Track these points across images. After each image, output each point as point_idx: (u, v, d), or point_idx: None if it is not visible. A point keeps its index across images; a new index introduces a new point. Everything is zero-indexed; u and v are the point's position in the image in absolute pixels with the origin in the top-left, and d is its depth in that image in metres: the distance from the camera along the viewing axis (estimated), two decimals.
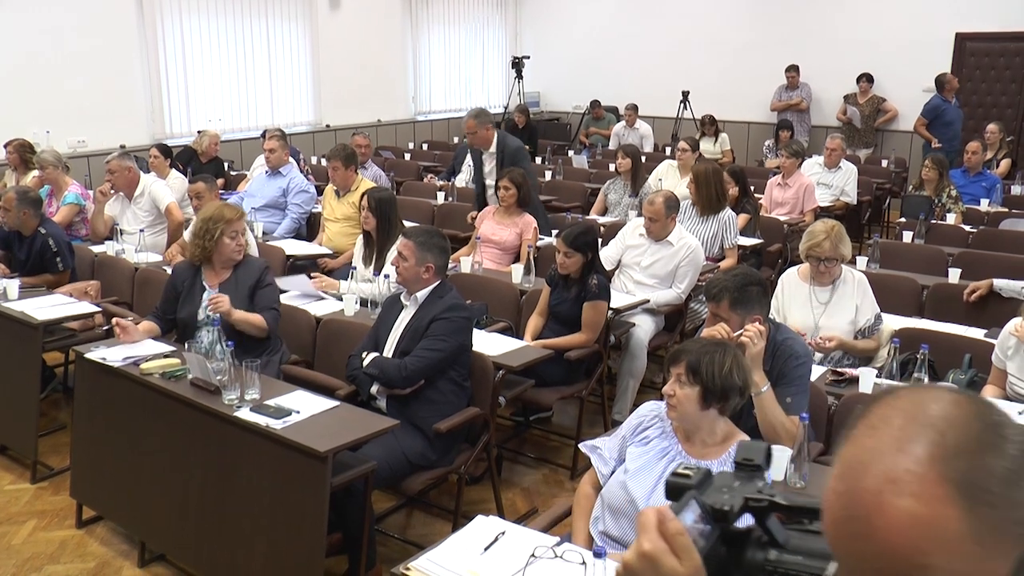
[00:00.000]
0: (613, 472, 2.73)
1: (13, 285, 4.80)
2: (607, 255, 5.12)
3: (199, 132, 8.75)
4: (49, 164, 6.59)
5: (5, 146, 7.50)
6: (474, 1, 13.24)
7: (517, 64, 12.55)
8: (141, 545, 3.77)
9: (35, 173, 7.03)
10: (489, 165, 6.26)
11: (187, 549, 3.57)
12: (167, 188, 6.46)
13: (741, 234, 6.33)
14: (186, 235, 4.88)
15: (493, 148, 6.15)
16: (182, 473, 3.50)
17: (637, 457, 2.68)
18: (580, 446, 2.91)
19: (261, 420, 3.13)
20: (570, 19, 13.32)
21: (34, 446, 4.50)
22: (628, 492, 2.60)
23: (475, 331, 3.90)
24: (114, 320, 4.16)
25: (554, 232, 5.46)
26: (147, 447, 3.66)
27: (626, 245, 5.26)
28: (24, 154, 7.42)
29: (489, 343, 4.02)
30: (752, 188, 6.93)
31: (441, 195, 7.57)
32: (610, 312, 4.50)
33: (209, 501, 3.38)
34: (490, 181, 6.26)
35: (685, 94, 11.51)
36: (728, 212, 6.01)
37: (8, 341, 4.63)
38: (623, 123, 11.18)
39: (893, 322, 4.20)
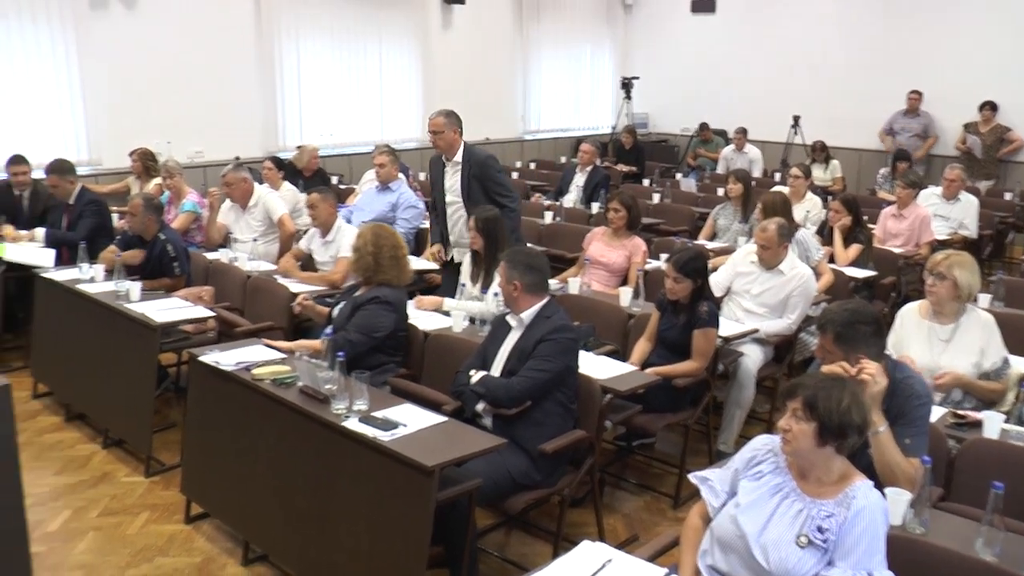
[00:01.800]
0: (723, 505, 2.67)
1: (135, 288, 4.99)
2: (717, 281, 5.03)
3: (298, 147, 8.94)
4: (177, 172, 6.86)
5: (130, 154, 7.84)
6: (585, 21, 13.28)
7: (626, 84, 12.53)
8: (245, 544, 3.87)
9: (156, 180, 7.32)
10: (452, 179, 5.51)
11: (290, 552, 3.62)
12: (280, 199, 6.64)
13: (853, 265, 6.17)
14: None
15: (458, 158, 5.45)
16: (288, 478, 3.56)
17: (749, 491, 2.60)
18: (690, 476, 2.85)
19: (369, 431, 3.16)
20: (680, 40, 13.24)
21: (148, 442, 4.67)
22: (739, 527, 2.53)
23: (582, 353, 3.88)
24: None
25: (663, 256, 5.41)
26: (255, 450, 3.74)
27: (736, 272, 5.17)
28: (146, 162, 7.76)
29: (597, 366, 4.00)
30: (865, 218, 6.73)
31: (549, 215, 7.57)
32: (718, 340, 4.42)
33: (313, 507, 3.43)
34: (451, 197, 5.53)
35: (796, 118, 11.29)
36: (800, 232, 5.87)
37: (129, 340, 4.80)
38: (732, 146, 11.04)
39: (1020, 364, 3.99)
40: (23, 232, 6.42)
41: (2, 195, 6.83)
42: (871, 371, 2.87)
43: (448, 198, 5.53)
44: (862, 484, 2.48)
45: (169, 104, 8.55)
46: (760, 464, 2.65)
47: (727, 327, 4.64)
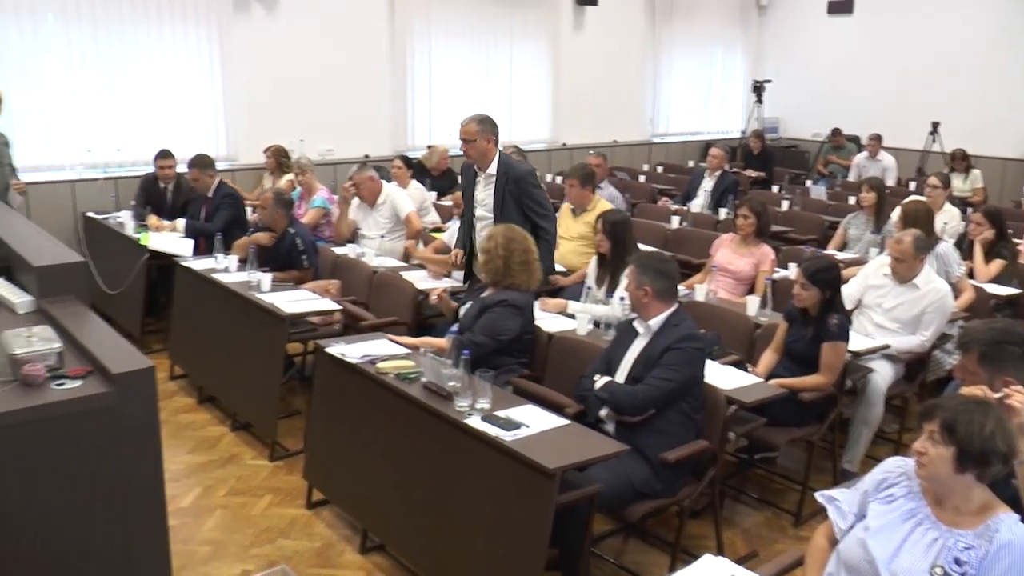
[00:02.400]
0: (851, 527, 2.57)
1: (266, 278, 5.16)
2: (847, 293, 4.86)
3: (428, 147, 9.10)
4: (308, 169, 7.09)
5: (265, 151, 8.13)
6: (718, 22, 13.08)
7: (758, 88, 12.27)
8: (363, 533, 3.95)
9: (288, 176, 7.58)
10: (484, 192, 5.00)
11: (407, 543, 3.69)
12: (407, 197, 6.77)
13: (995, 282, 5.88)
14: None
15: (492, 170, 4.93)
16: (408, 471, 3.62)
17: (880, 515, 2.50)
18: (816, 495, 2.75)
19: (491, 430, 3.17)
20: (815, 42, 12.87)
21: (274, 427, 4.84)
22: (868, 551, 2.43)
23: (707, 362, 3.81)
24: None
25: (791, 265, 5.29)
26: (377, 441, 3.82)
27: (868, 284, 4.99)
28: (279, 159, 8.04)
29: (722, 376, 3.92)
30: (1010, 231, 6.39)
31: (676, 219, 7.48)
32: (847, 355, 4.28)
33: (432, 501, 3.47)
34: (482, 211, 5.01)
35: (935, 125, 10.83)
36: (941, 244, 5.62)
37: (259, 329, 4.98)
38: (865, 153, 10.67)
39: None
40: (166, 222, 6.76)
41: (148, 187, 7.22)
42: (1022, 398, 2.71)
43: (478, 212, 5.04)
44: (1007, 517, 2.35)
45: (303, 103, 8.83)
46: (892, 487, 2.54)
47: (857, 341, 4.48)
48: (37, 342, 2.53)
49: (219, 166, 7.35)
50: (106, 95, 7.81)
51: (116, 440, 2.41)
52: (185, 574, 3.69)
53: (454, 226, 6.03)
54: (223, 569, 3.78)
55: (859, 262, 5.93)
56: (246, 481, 4.57)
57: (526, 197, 4.88)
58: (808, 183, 10.29)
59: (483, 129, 4.87)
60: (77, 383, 2.45)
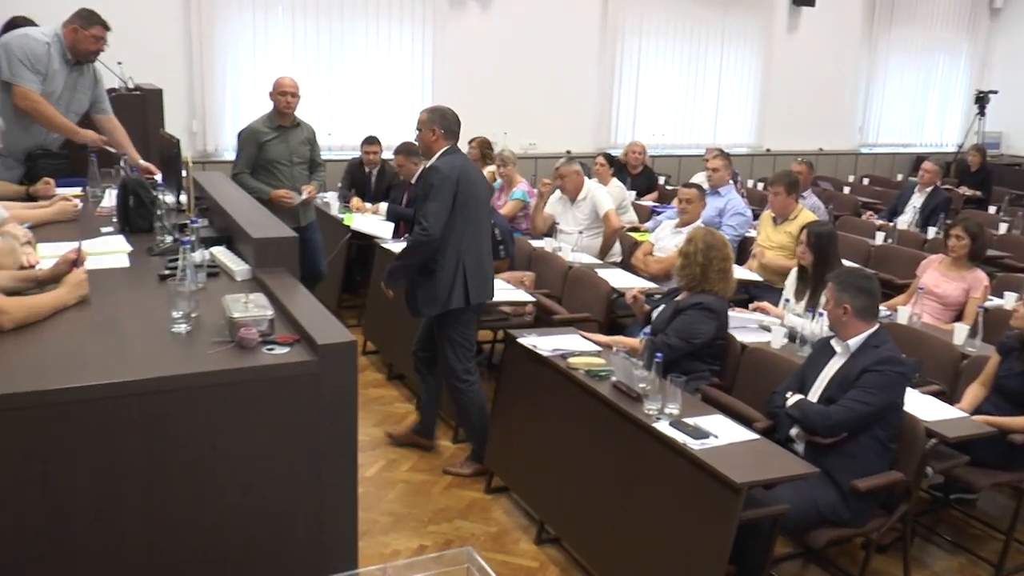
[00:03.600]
0: None
1: None
2: None
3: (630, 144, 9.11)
4: (511, 162, 7.24)
5: (470, 142, 8.35)
6: (943, 27, 12.34)
7: (981, 99, 11.49)
8: (540, 524, 3.99)
9: (491, 168, 7.74)
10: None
11: (583, 540, 3.71)
12: (608, 195, 6.78)
13: None
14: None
15: (431, 163, 4.36)
16: (590, 468, 3.64)
17: None
18: None
19: (679, 437, 3.14)
20: None
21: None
22: None
23: (908, 390, 3.62)
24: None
25: (1007, 294, 4.94)
26: (560, 435, 3.87)
27: None
28: (484, 150, 8.22)
29: (923, 406, 3.71)
30: None
31: (880, 235, 7.15)
32: None
33: (612, 501, 3.48)
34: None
35: None
36: None
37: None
38: None
39: None
40: (368, 205, 7.09)
41: (355, 171, 7.60)
42: None
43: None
44: None
45: (509, 97, 9.03)
46: None
47: None
48: (253, 308, 2.68)
49: None
50: (322, 83, 8.29)
51: (317, 407, 2.53)
52: (367, 540, 3.84)
53: (665, 223, 6.03)
54: (401, 541, 3.93)
55: None
56: (428, 460, 4.71)
57: (423, 197, 4.23)
58: None
59: (431, 119, 4.34)
60: (285, 349, 2.58)
